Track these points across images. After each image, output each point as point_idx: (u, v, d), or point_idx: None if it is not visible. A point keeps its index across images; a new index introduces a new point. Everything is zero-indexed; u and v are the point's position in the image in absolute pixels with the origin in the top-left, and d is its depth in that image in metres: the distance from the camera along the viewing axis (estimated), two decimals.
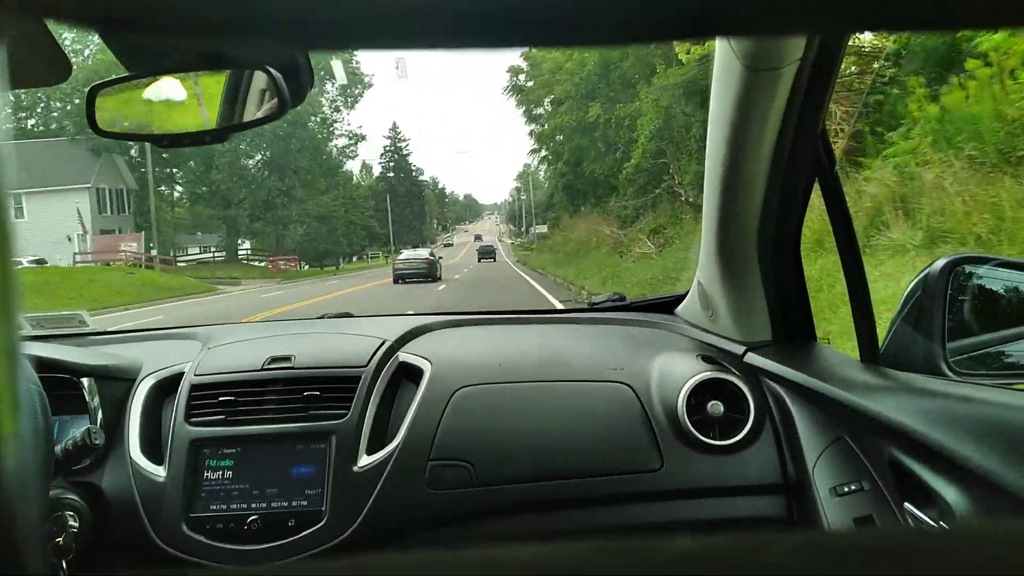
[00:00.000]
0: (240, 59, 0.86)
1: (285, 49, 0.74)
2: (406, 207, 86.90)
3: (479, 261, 46.28)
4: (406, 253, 24.95)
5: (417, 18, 0.23)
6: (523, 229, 76.01)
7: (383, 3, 0.22)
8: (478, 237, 73.64)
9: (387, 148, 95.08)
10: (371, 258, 60.42)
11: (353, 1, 0.22)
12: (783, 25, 0.26)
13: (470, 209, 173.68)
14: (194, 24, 0.23)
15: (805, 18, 0.25)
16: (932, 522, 0.97)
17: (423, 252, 24.58)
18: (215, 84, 0.94)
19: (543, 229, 54.18)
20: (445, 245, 79.76)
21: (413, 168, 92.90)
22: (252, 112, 0.91)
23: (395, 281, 22.62)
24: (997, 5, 0.23)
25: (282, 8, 0.22)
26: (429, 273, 22.97)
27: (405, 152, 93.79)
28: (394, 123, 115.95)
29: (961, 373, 1.09)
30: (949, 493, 0.93)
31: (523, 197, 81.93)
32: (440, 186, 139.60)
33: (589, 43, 0.25)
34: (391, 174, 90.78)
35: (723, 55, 1.23)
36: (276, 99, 0.86)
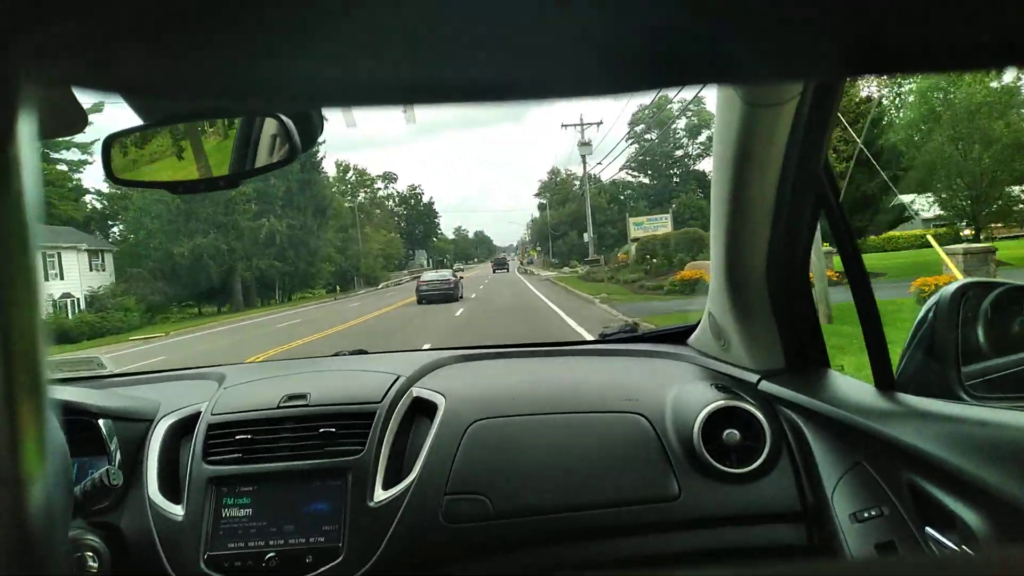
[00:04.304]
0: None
1: (296, 107, 0.76)
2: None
3: (494, 272, 58.05)
4: (429, 274, 24.72)
5: (422, 78, 0.24)
6: (588, 242, 39.47)
7: (387, 66, 0.23)
8: (494, 259, 73.40)
9: None
10: None
11: (359, 65, 0.23)
12: (777, 72, 0.27)
13: (482, 244, 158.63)
14: (208, 88, 0.24)
15: (797, 65, 0.26)
16: (954, 546, 0.96)
17: (446, 273, 24.45)
18: (227, 131, 0.96)
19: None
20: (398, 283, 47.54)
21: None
22: (264, 157, 0.93)
23: (419, 302, 22.64)
24: (987, 47, 0.24)
25: (293, 73, 0.23)
26: (451, 294, 22.94)
27: None
28: None
29: (977, 397, 1.08)
30: (970, 517, 0.92)
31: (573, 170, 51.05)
32: (427, 199, 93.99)
33: (589, 94, 0.26)
34: None
35: (724, 92, 1.25)
36: (287, 145, 0.88)
